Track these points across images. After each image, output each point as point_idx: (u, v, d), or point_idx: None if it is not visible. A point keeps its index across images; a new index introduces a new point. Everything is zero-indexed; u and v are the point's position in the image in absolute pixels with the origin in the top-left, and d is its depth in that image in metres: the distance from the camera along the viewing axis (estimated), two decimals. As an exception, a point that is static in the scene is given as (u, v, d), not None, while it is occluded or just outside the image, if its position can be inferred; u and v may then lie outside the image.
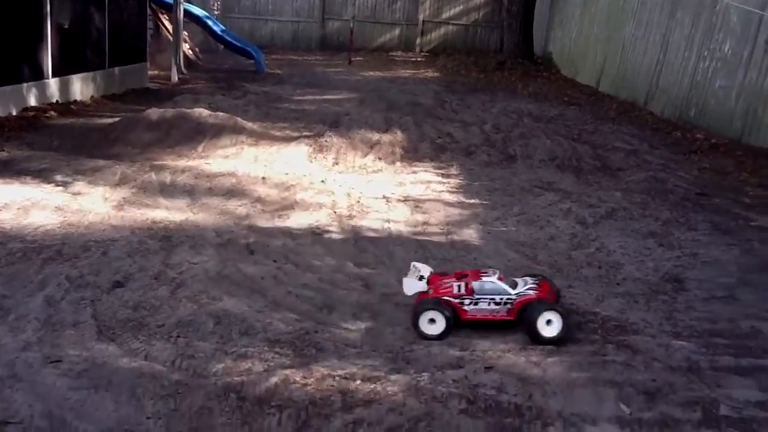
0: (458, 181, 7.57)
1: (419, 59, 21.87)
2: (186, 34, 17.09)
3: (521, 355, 3.78)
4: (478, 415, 3.22)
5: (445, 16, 24.43)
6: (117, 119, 9.36)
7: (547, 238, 5.84)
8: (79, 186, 6.54)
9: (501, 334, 4.03)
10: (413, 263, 4.43)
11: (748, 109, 9.44)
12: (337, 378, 3.46)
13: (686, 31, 11.68)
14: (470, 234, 5.92)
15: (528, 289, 4.12)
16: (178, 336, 3.83)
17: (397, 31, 24.53)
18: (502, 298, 4.06)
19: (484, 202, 6.80)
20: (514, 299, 4.06)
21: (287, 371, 3.49)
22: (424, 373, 3.54)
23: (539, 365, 3.65)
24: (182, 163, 7.63)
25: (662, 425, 3.18)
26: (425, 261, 5.23)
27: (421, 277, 4.25)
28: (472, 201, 6.84)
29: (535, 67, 18.81)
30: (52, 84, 10.59)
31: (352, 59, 19.62)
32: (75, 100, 11.07)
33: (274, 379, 3.40)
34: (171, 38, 15.80)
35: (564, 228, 6.09)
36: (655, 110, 12.11)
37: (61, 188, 6.45)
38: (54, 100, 10.54)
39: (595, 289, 4.78)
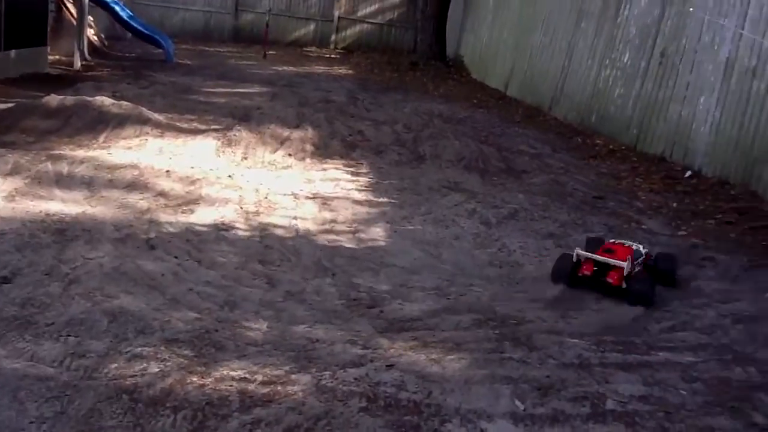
0: (368, 179, 7.60)
1: (333, 56, 21.82)
2: (91, 18, 16.36)
3: (422, 353, 3.84)
4: (378, 413, 3.24)
5: (360, 13, 24.47)
6: (11, 105, 8.85)
7: (452, 238, 5.96)
8: (-34, 175, 6.15)
9: (405, 334, 4.07)
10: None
11: (643, 118, 9.95)
12: (236, 378, 3.41)
13: (590, 41, 12.19)
14: (377, 232, 5.97)
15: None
16: (69, 335, 3.66)
17: (312, 27, 24.37)
18: None
19: (393, 201, 6.86)
20: None
21: (184, 371, 3.41)
22: (325, 372, 3.53)
23: (439, 363, 3.72)
24: (81, 153, 7.31)
25: (553, 420, 3.30)
26: (331, 259, 5.24)
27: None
28: (381, 200, 6.89)
29: (447, 69, 19.14)
30: (-61, 65, 9.91)
31: (267, 53, 19.34)
32: (-36, 84, 10.41)
33: (169, 380, 3.31)
34: (74, 22, 15.09)
35: (468, 228, 6.23)
36: (558, 115, 12.56)
37: (-55, 177, 6.05)
38: (-60, 82, 9.87)
39: (495, 288, 4.92)
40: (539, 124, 11.90)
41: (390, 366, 3.65)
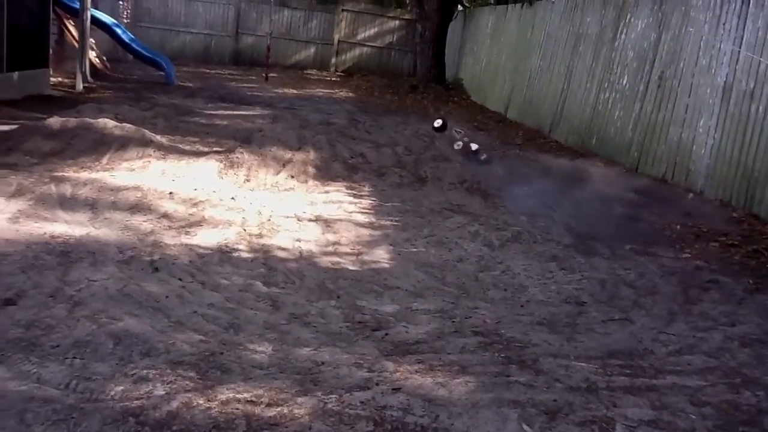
0: (370, 201, 7.62)
1: (334, 79, 21.98)
2: (93, 41, 16.50)
3: (428, 376, 3.82)
4: (385, 437, 3.22)
5: (360, 37, 24.73)
6: (14, 126, 8.89)
7: (456, 260, 5.96)
8: (-30, 196, 6.15)
9: (410, 357, 4.06)
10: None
11: (644, 140, 10.00)
12: (242, 400, 3.38)
13: (588, 64, 12.29)
14: (380, 255, 5.96)
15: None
16: (74, 357, 3.64)
17: (312, 50, 24.62)
18: None
19: (395, 223, 6.87)
20: None
21: (190, 394, 3.38)
22: (331, 395, 3.51)
23: (445, 386, 3.70)
24: (85, 175, 7.32)
25: (561, 444, 3.28)
26: (335, 281, 5.24)
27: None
28: (383, 222, 6.90)
29: (447, 91, 19.31)
30: (-58, 86, 9.97)
31: (268, 76, 19.48)
32: (-33, 105, 10.45)
33: (175, 403, 3.28)
34: (76, 44, 15.21)
35: (472, 250, 6.23)
36: (559, 138, 12.64)
37: (-52, 198, 6.05)
38: (-57, 104, 9.92)
39: (500, 311, 4.91)
40: (540, 147, 11.97)
41: (396, 389, 3.63)
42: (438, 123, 9.43)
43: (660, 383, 3.87)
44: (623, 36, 11.26)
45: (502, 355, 4.16)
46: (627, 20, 11.22)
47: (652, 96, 10.03)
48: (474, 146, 9.03)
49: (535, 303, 5.12)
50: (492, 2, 21.27)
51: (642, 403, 3.63)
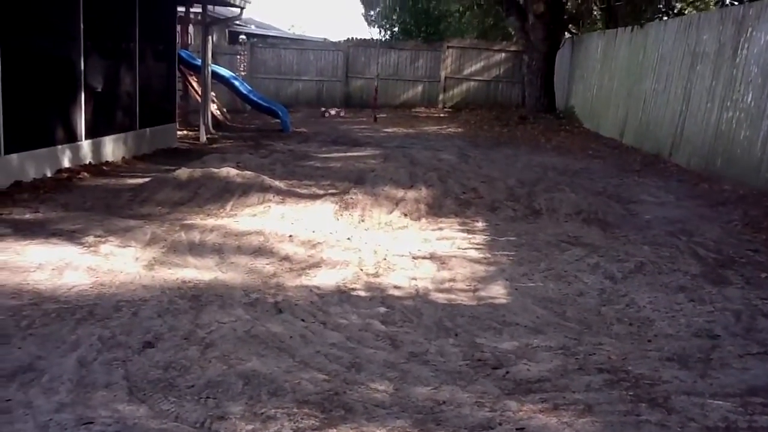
0: (483, 236, 7.58)
1: (442, 115, 22.16)
2: (214, 94, 17.58)
3: (552, 415, 3.72)
4: (511, 479, 3.16)
5: (466, 72, 24.87)
6: (147, 179, 9.57)
7: (576, 294, 5.80)
8: (111, 246, 6.66)
9: (533, 395, 3.98)
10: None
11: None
12: (366, 440, 3.43)
13: (707, 83, 11.74)
14: (497, 291, 5.90)
15: None
16: (208, 397, 3.84)
17: (419, 88, 25.00)
18: None
19: (511, 258, 6.79)
20: None
21: (317, 433, 3.47)
22: (454, 435, 3.50)
23: (571, 426, 3.59)
24: (211, 221, 7.76)
25: (701, 489, 3.10)
26: (452, 318, 5.23)
27: None
28: (498, 257, 6.83)
29: (558, 120, 19.01)
30: (85, 146, 10.92)
31: (377, 116, 19.94)
32: (107, 161, 11.39)
33: (303, 442, 3.38)
34: (199, 99, 16.24)
35: (592, 283, 6.04)
36: (680, 162, 12.10)
37: (93, 249, 6.57)
38: (87, 162, 10.85)
39: (626, 346, 4.72)
40: (659, 172, 11.49)
41: (520, 429, 3.56)
42: None
43: (810, 423, 3.58)
44: (745, 51, 10.70)
45: (631, 393, 3.99)
46: (748, 34, 10.67)
47: (781, 112, 9.44)
48: None
49: (663, 337, 4.88)
50: (600, 27, 20.85)
51: (790, 445, 3.37)
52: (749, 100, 10.36)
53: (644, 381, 4.15)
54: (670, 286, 5.94)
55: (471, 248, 7.13)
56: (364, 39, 25.61)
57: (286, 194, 8.92)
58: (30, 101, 9.55)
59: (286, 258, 6.58)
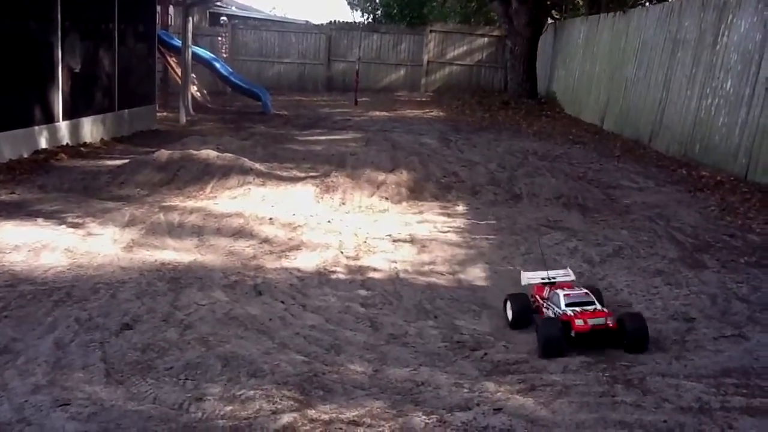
0: (464, 220, 7.60)
1: (424, 99, 22.11)
2: (194, 76, 17.38)
3: (530, 396, 3.76)
4: (488, 458, 3.19)
5: (449, 56, 24.79)
6: (126, 161, 9.48)
7: (555, 277, 5.83)
8: (89, 227, 6.60)
9: (511, 377, 4.01)
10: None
11: (752, 146, 9.49)
12: (345, 420, 3.45)
13: (687, 70, 11.82)
14: (477, 274, 5.93)
15: None
16: (186, 378, 3.83)
17: (402, 72, 24.89)
18: None
19: (491, 242, 6.82)
20: None
21: (295, 414, 3.48)
22: (432, 416, 3.52)
23: (548, 406, 3.62)
24: (190, 204, 7.70)
25: (674, 468, 3.15)
26: (432, 301, 5.25)
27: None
28: (479, 240, 6.86)
29: (539, 106, 19.04)
30: (63, 127, 10.77)
31: (358, 100, 19.85)
32: (85, 143, 11.25)
33: (282, 422, 3.39)
34: (179, 80, 16.06)
35: (571, 266, 6.07)
36: (659, 148, 12.18)
37: (71, 230, 6.50)
38: (64, 143, 10.71)
39: (603, 329, 4.76)
40: (639, 158, 11.58)
41: (498, 410, 3.59)
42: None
43: (780, 404, 3.64)
44: (725, 38, 10.77)
45: (607, 375, 4.03)
46: (728, 22, 10.73)
47: (759, 99, 9.52)
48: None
49: (639, 320, 4.93)
50: (583, 13, 20.87)
51: (761, 425, 3.42)
52: (728, 87, 10.44)
53: (620, 363, 4.20)
54: (648, 269, 6.01)
55: (451, 232, 7.15)
56: (347, 22, 25.43)
57: (266, 177, 8.88)
58: (6, 82, 9.39)
59: (266, 240, 6.56)
